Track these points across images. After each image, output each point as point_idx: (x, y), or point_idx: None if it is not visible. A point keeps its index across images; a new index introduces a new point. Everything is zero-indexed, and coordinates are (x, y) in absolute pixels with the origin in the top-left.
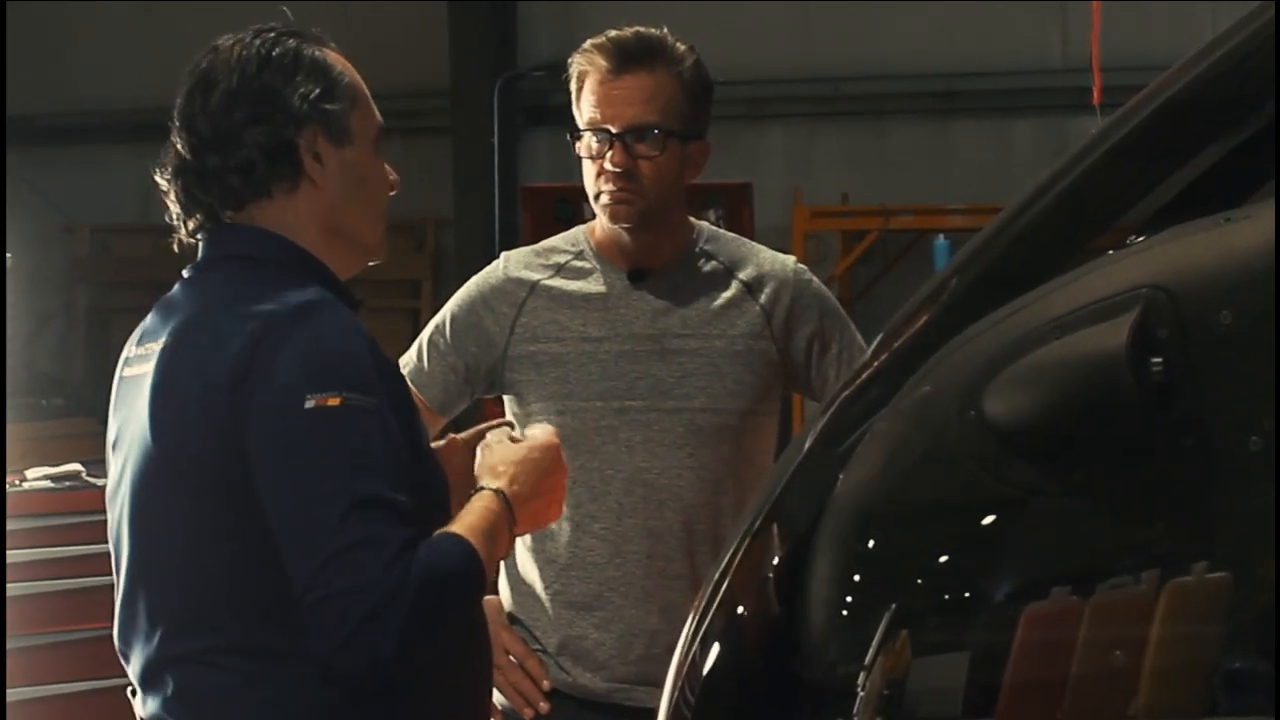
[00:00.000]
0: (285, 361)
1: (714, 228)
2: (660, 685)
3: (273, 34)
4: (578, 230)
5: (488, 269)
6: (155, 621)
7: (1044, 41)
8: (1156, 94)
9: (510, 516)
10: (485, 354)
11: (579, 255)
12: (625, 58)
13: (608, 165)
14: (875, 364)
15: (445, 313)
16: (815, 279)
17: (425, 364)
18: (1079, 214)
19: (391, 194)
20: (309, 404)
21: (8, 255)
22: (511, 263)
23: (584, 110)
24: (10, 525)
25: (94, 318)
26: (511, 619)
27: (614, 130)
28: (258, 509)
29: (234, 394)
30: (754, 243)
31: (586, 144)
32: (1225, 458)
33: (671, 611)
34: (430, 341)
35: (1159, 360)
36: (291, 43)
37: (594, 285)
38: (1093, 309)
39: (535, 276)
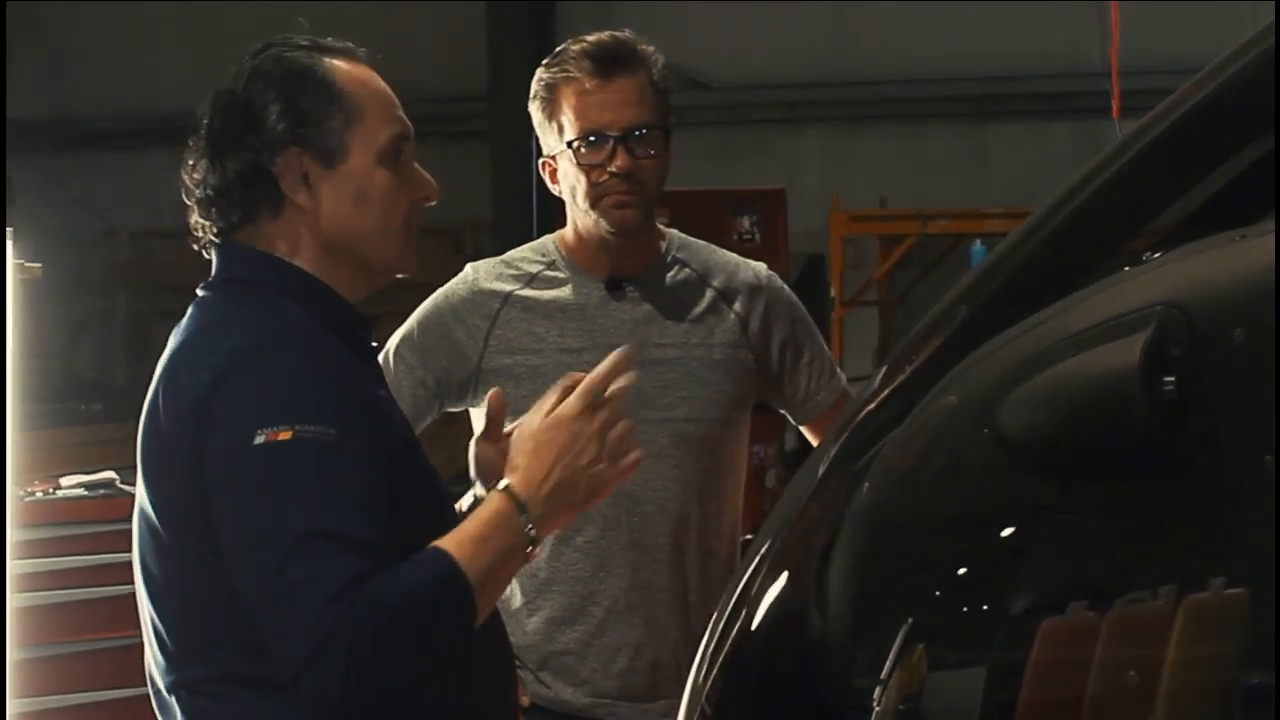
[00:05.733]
0: (241, 399)
1: (683, 235)
2: (642, 700)
3: (274, 49)
4: (546, 240)
5: (454, 281)
6: (162, 648)
7: (1081, 44)
8: (1167, 113)
9: (520, 511)
10: (457, 367)
11: (550, 265)
12: (613, 62)
13: (612, 169)
14: (891, 380)
15: (411, 325)
16: (785, 286)
17: (392, 378)
18: (1092, 232)
19: (429, 204)
20: (258, 440)
21: (38, 265)
22: (481, 274)
23: (570, 121)
24: (44, 533)
25: (134, 322)
26: None
27: (614, 134)
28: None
29: (195, 433)
30: (722, 249)
31: (579, 154)
32: (1239, 475)
33: (655, 624)
34: (396, 354)
35: (1172, 378)
36: (288, 58)
37: (569, 295)
38: (1107, 326)
39: (507, 287)
